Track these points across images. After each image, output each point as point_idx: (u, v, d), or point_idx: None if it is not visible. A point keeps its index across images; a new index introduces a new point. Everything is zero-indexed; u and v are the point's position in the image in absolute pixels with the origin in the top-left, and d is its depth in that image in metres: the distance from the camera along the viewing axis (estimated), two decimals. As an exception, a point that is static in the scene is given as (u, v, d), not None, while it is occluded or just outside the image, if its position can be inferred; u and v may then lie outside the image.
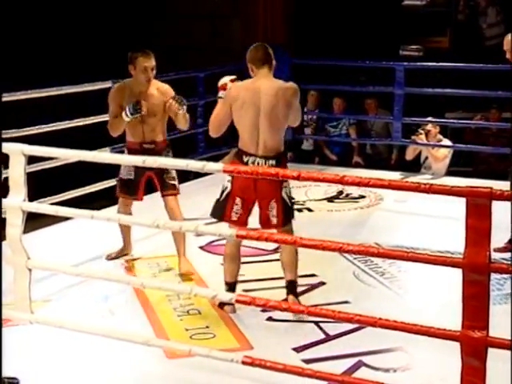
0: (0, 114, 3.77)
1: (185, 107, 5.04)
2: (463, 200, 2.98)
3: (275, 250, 5.40)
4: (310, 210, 6.70)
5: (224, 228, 4.15)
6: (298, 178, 3.46)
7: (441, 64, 8.11)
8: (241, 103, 4.30)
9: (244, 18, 9.15)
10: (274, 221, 4.40)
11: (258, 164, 4.29)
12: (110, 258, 5.41)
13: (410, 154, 8.04)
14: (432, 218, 6.25)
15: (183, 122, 5.13)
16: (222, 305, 4.47)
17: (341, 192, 7.18)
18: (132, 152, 5.15)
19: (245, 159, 4.31)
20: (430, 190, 3.09)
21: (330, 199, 7.03)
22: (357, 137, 8.81)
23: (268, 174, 3.66)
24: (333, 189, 7.19)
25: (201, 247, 5.60)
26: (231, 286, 4.52)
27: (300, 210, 6.61)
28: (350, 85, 8.56)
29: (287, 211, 4.43)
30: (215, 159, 6.92)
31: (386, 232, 5.97)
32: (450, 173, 7.78)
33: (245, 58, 4.44)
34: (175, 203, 5.21)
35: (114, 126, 5.13)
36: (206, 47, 7.94)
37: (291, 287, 4.54)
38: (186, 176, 6.93)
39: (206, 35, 9.52)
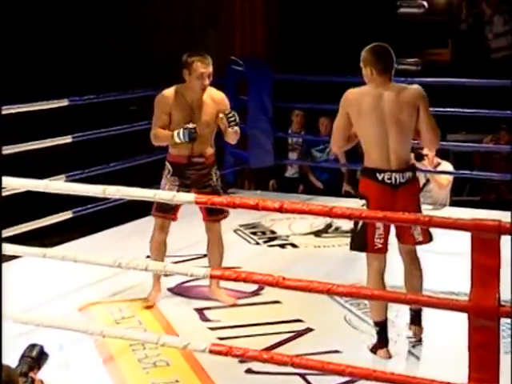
0: None
1: (236, 127, 5.15)
2: (469, 234, 2.98)
3: (255, 293, 5.39)
4: (294, 245, 6.70)
5: (194, 267, 4.12)
6: (280, 210, 3.46)
7: (441, 79, 8.18)
8: (358, 110, 4.40)
9: (220, 29, 9.19)
10: (420, 238, 4.50)
11: (396, 179, 4.36)
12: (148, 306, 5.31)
13: None
14: (434, 255, 6.21)
15: (232, 138, 5.25)
16: (375, 348, 4.39)
17: (329, 225, 7.18)
18: (178, 166, 5.21)
19: (379, 177, 4.35)
20: (431, 222, 3.10)
21: (317, 233, 7.03)
22: (346, 162, 8.81)
23: (248, 205, 3.65)
24: (320, 221, 7.19)
25: (170, 289, 5.56)
26: (382, 326, 4.43)
27: (283, 246, 6.62)
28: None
29: None
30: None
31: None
32: (454, 202, 7.79)
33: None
34: (219, 228, 5.34)
35: (160, 139, 5.20)
36: (177, 60, 7.98)
37: (415, 316, 4.60)
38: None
39: (178, 47, 9.56)
